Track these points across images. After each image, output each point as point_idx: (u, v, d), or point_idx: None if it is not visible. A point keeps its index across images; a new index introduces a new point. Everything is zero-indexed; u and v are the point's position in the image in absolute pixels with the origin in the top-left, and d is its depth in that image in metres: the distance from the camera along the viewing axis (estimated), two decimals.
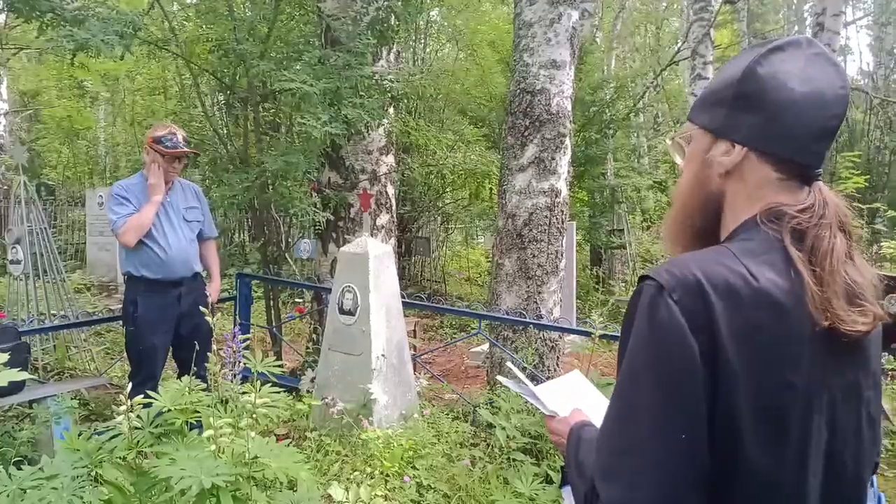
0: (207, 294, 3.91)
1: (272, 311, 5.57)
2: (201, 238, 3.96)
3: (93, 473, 2.08)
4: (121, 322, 3.90)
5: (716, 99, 1.03)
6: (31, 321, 4.42)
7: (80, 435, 2.19)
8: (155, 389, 2.40)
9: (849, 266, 0.95)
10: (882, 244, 9.32)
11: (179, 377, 3.33)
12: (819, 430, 0.93)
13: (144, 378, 3.51)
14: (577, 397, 1.39)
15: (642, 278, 0.96)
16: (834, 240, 0.94)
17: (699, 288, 0.89)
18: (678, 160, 1.15)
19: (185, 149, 3.72)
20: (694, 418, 0.87)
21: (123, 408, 2.10)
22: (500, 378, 1.44)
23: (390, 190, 5.30)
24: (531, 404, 1.54)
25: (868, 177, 12.10)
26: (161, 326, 3.67)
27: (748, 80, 0.98)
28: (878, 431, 1.04)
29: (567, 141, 4.35)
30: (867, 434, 0.99)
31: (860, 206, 10.67)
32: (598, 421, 1.09)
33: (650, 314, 0.91)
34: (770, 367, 0.88)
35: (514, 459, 3.32)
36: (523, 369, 4.01)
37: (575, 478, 1.07)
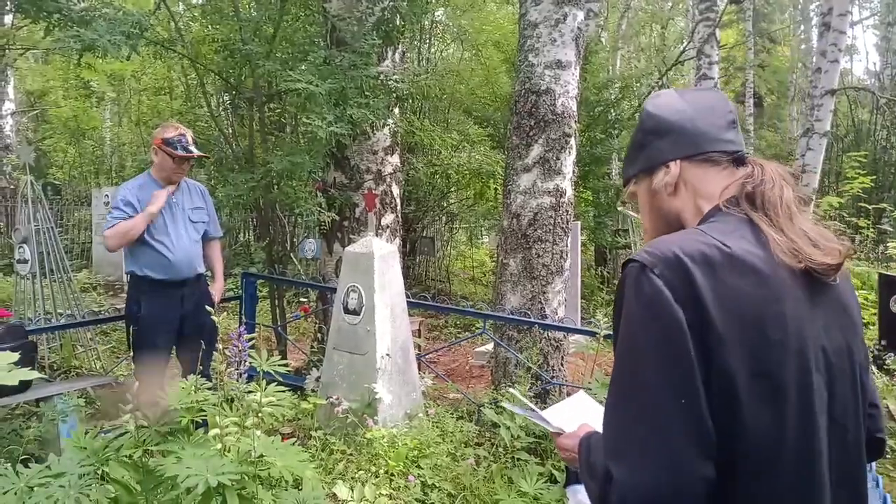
0: (211, 294, 3.92)
1: (277, 311, 5.58)
2: (206, 238, 3.96)
3: (99, 471, 2.10)
4: (125, 321, 3.90)
5: (634, 150, 1.22)
6: (38, 320, 4.45)
7: (86, 433, 2.21)
8: (158, 389, 2.41)
9: (802, 221, 1.05)
10: (888, 244, 9.28)
11: (184, 377, 3.34)
12: (820, 391, 0.96)
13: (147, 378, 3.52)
14: (584, 414, 1.40)
15: (626, 263, 1.02)
16: (781, 190, 1.06)
17: (678, 261, 0.95)
18: (634, 214, 1.26)
19: (196, 152, 3.70)
20: (690, 382, 0.91)
21: (130, 407, 2.11)
22: (506, 405, 1.47)
23: (395, 190, 5.31)
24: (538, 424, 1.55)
25: (874, 177, 12.05)
26: (164, 327, 3.67)
27: (647, 120, 1.19)
28: (870, 403, 1.09)
29: (572, 141, 4.34)
30: (861, 398, 1.04)
31: (866, 206, 10.65)
32: None
33: (636, 292, 0.97)
34: (754, 328, 0.93)
35: (518, 459, 3.32)
36: (528, 369, 4.01)
37: (588, 480, 1.08)
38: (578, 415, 1.37)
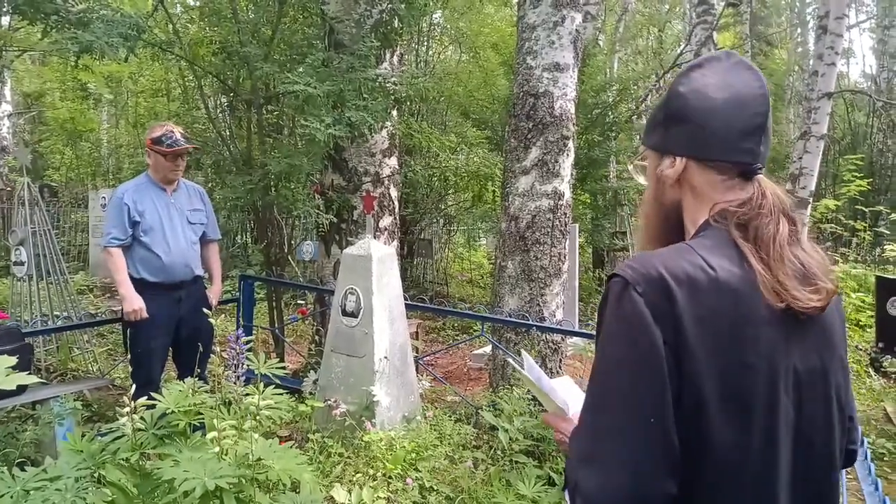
0: (208, 297, 3.90)
1: (275, 313, 5.57)
2: (204, 240, 3.95)
3: (96, 475, 2.08)
4: (121, 323, 3.89)
5: (655, 121, 1.16)
6: (35, 322, 4.43)
7: (83, 436, 2.19)
8: (155, 391, 2.40)
9: (796, 249, 1.03)
10: (885, 247, 9.30)
11: (180, 379, 3.33)
12: (786, 412, 0.98)
13: (143, 380, 3.50)
14: (577, 399, 1.38)
15: (610, 277, 1.03)
16: (777, 226, 1.03)
17: (661, 280, 0.96)
18: (641, 180, 1.28)
19: (185, 145, 3.70)
20: (660, 402, 0.92)
21: (127, 409, 2.10)
22: (512, 362, 1.44)
23: (393, 192, 5.30)
24: (535, 396, 1.52)
25: (871, 180, 12.09)
26: (160, 329, 3.66)
27: (673, 99, 1.11)
28: (848, 417, 1.09)
29: (570, 143, 4.35)
30: (837, 417, 1.05)
31: (863, 209, 10.68)
32: None
33: (617, 308, 0.99)
34: (730, 350, 0.95)
35: (516, 462, 3.31)
36: None
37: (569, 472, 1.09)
38: (571, 398, 1.35)
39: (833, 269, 1.06)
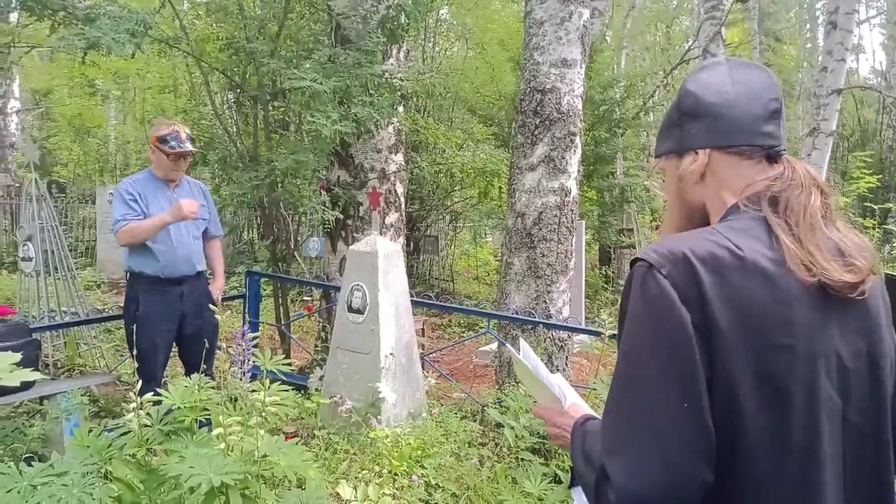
0: (212, 293, 3.90)
1: (281, 309, 5.57)
2: (206, 236, 3.95)
3: (102, 470, 2.09)
4: (123, 319, 3.89)
5: (667, 126, 1.15)
6: (42, 318, 4.45)
7: (90, 432, 2.20)
8: (158, 388, 2.40)
9: (830, 227, 1.01)
10: (894, 244, 9.23)
11: (186, 375, 3.34)
12: (829, 398, 0.94)
13: (146, 377, 3.49)
14: (570, 393, 1.36)
15: (633, 262, 1.00)
16: (809, 197, 1.00)
17: (686, 262, 0.94)
18: (661, 195, 1.26)
19: (190, 148, 3.69)
20: (692, 386, 0.90)
21: (133, 405, 2.11)
22: (510, 348, 1.41)
23: (399, 188, 5.29)
24: (527, 386, 1.50)
25: (880, 176, 12.01)
26: (163, 325, 3.66)
27: (685, 98, 1.11)
28: None
29: (577, 140, 4.33)
30: (891, 409, 1.01)
31: (872, 205, 10.60)
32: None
33: (642, 291, 0.96)
34: (761, 330, 0.92)
35: (522, 459, 3.31)
36: None
37: (582, 467, 1.07)
38: (567, 391, 1.33)
39: (870, 250, 1.01)
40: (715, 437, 0.90)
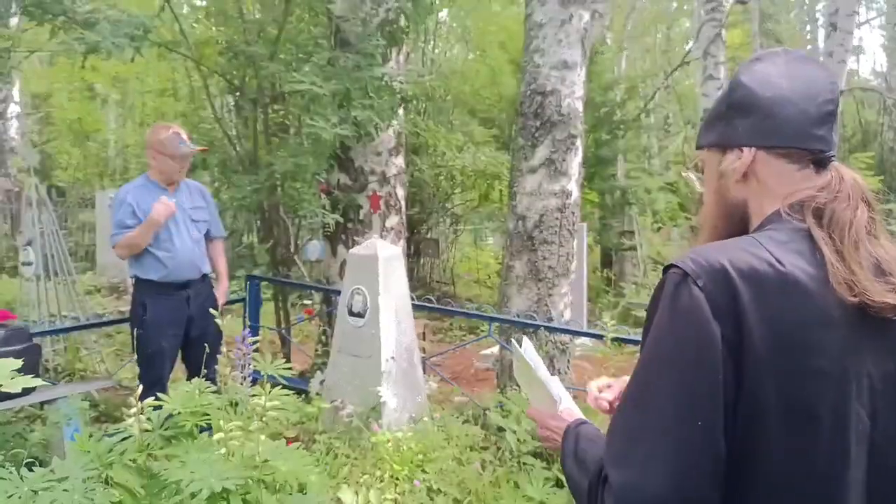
0: (216, 296, 3.90)
1: (281, 313, 5.57)
2: (209, 238, 3.94)
3: (103, 475, 2.08)
4: (129, 324, 3.88)
5: (714, 117, 1.08)
6: (43, 323, 4.44)
7: (90, 437, 2.19)
8: (164, 392, 2.39)
9: (874, 243, 0.95)
10: None
11: (189, 379, 3.33)
12: (859, 419, 0.90)
13: (153, 381, 3.48)
14: (566, 396, 1.35)
15: (667, 268, 0.96)
16: (855, 211, 0.95)
17: (724, 274, 0.89)
18: (699, 187, 1.18)
19: (193, 148, 3.68)
20: (712, 405, 0.86)
21: (134, 410, 2.09)
22: (513, 342, 1.39)
23: (400, 191, 5.29)
24: (523, 385, 1.49)
25: (882, 178, 11.98)
26: (170, 329, 3.65)
27: (736, 90, 1.04)
28: None
29: (578, 142, 4.32)
30: None
31: None
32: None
33: (673, 301, 0.91)
34: (796, 353, 0.87)
35: (524, 463, 3.29)
36: None
37: (573, 471, 1.05)
38: (564, 394, 1.32)
39: None
40: (734, 457, 0.87)
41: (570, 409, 1.25)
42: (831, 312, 0.89)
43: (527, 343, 1.39)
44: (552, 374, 1.37)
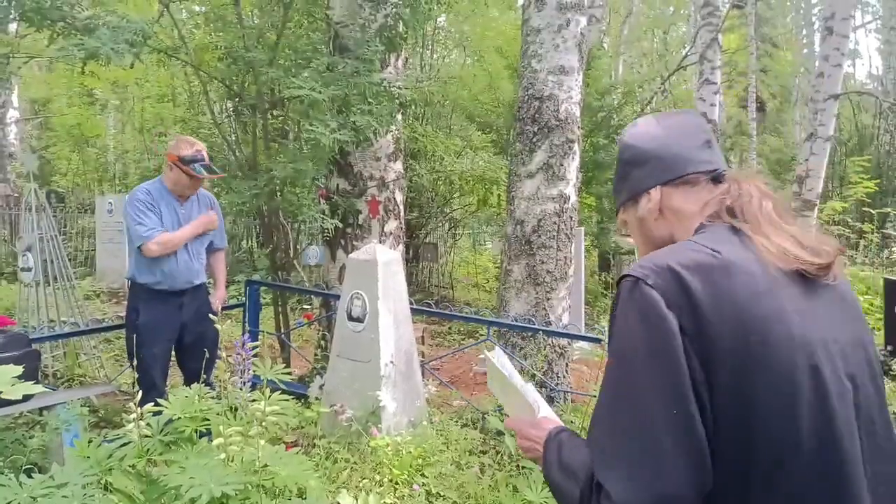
0: (212, 303, 3.89)
1: (281, 318, 5.57)
2: (211, 248, 3.95)
3: (102, 481, 2.08)
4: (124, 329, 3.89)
5: (618, 181, 1.26)
6: (42, 328, 4.44)
7: (89, 442, 2.19)
8: (159, 397, 2.40)
9: (787, 224, 1.06)
10: (893, 249, 9.24)
11: (186, 385, 3.33)
12: (837, 381, 0.94)
13: (147, 386, 3.47)
14: (542, 403, 1.35)
15: (620, 280, 1.04)
16: (760, 202, 1.07)
17: (672, 271, 0.96)
18: (632, 243, 1.33)
19: (217, 173, 3.76)
20: (682, 391, 0.90)
21: (133, 416, 2.10)
22: (487, 354, 1.41)
23: (398, 196, 5.30)
24: (498, 396, 1.50)
25: (878, 181, 12.01)
26: (163, 335, 3.66)
27: (626, 151, 1.24)
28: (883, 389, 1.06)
29: (576, 147, 4.34)
30: (882, 392, 1.02)
31: (870, 210, 10.61)
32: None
33: (628, 303, 0.98)
34: (756, 323, 0.92)
35: (523, 467, 3.30)
36: (532, 376, 3.99)
37: (559, 479, 1.07)
38: (540, 401, 1.32)
39: (832, 241, 1.05)
40: (723, 433, 0.89)
41: (547, 418, 1.27)
42: (776, 280, 0.97)
43: (498, 352, 1.41)
44: (551, 379, 1.38)
